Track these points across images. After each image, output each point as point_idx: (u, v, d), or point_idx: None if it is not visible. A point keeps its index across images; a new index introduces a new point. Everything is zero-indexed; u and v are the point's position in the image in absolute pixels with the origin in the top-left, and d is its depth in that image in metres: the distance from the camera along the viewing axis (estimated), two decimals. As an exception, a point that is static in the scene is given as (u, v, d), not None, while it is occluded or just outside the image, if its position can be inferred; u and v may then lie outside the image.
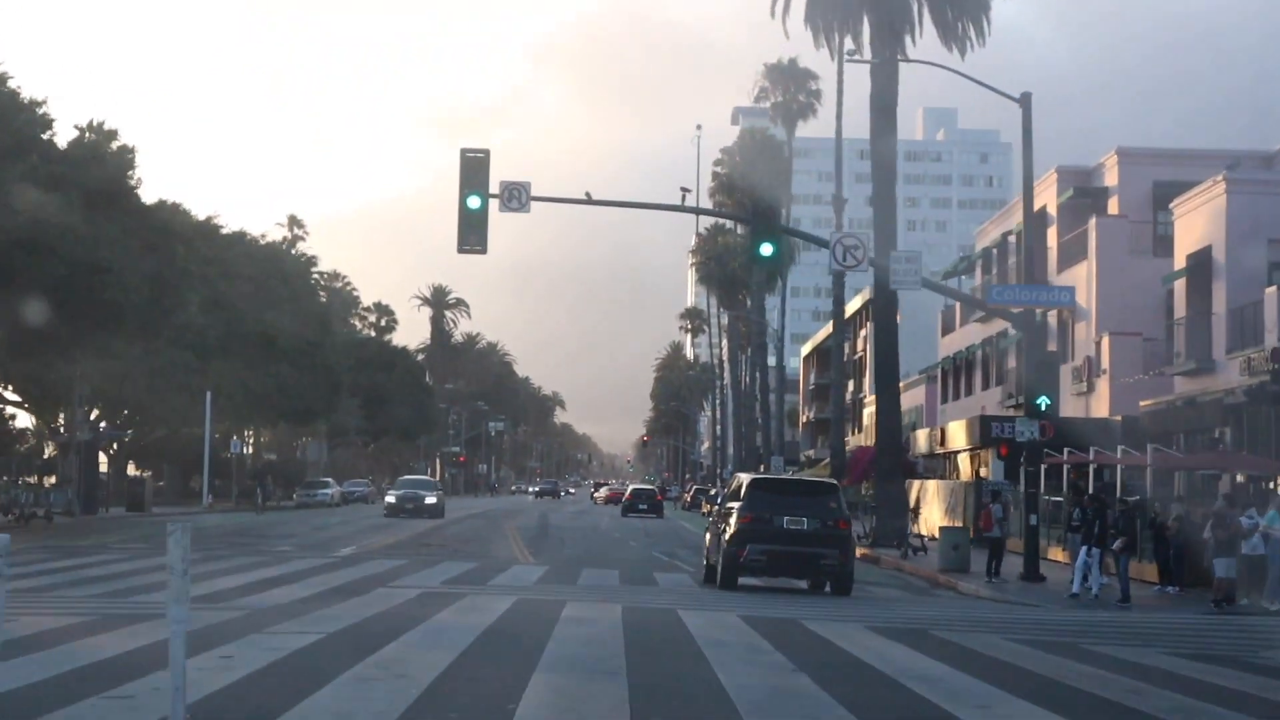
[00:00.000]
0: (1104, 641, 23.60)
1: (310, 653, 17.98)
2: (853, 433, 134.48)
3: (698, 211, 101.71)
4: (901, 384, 66.83)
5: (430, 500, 74.27)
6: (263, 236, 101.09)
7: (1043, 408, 37.98)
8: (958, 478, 71.39)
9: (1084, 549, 34.47)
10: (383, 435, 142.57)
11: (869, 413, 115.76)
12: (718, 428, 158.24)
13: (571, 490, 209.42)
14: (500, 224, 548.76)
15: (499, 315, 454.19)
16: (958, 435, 71.31)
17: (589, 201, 39.86)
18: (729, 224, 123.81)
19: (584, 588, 31.51)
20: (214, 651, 17.26)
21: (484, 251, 37.29)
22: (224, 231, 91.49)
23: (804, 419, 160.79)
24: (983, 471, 65.52)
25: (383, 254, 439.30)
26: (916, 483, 68.73)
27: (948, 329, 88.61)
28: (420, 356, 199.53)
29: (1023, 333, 42.66)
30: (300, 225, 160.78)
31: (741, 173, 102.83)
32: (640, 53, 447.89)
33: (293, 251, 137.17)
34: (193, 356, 73.56)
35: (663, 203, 48.55)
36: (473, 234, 37.00)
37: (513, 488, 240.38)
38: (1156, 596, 35.11)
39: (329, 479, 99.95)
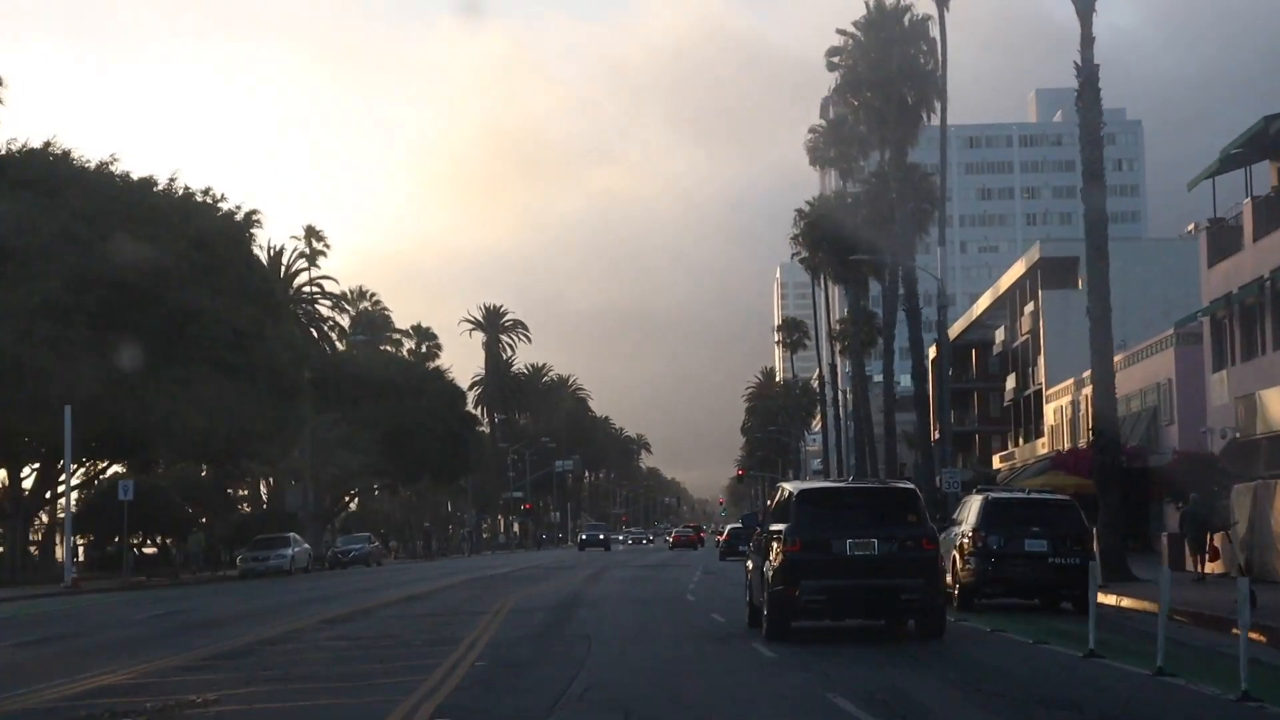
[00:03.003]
0: None
1: None
2: (1017, 440, 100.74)
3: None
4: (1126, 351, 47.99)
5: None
6: (237, 209, 68.30)
7: None
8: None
9: None
10: (408, 477, 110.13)
11: (1057, 409, 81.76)
12: (837, 436, 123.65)
13: (649, 539, 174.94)
14: (573, 272, 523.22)
15: (575, 365, 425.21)
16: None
17: None
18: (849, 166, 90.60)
19: None
20: None
21: None
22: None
23: (935, 436, 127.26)
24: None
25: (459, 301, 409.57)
26: (1247, 487, 36.97)
27: (1227, 251, 54.70)
28: (473, 391, 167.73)
29: None
30: (321, 238, 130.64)
31: (872, 62, 70.11)
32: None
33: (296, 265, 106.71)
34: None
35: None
36: None
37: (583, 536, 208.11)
38: None
39: (290, 535, 67.58)
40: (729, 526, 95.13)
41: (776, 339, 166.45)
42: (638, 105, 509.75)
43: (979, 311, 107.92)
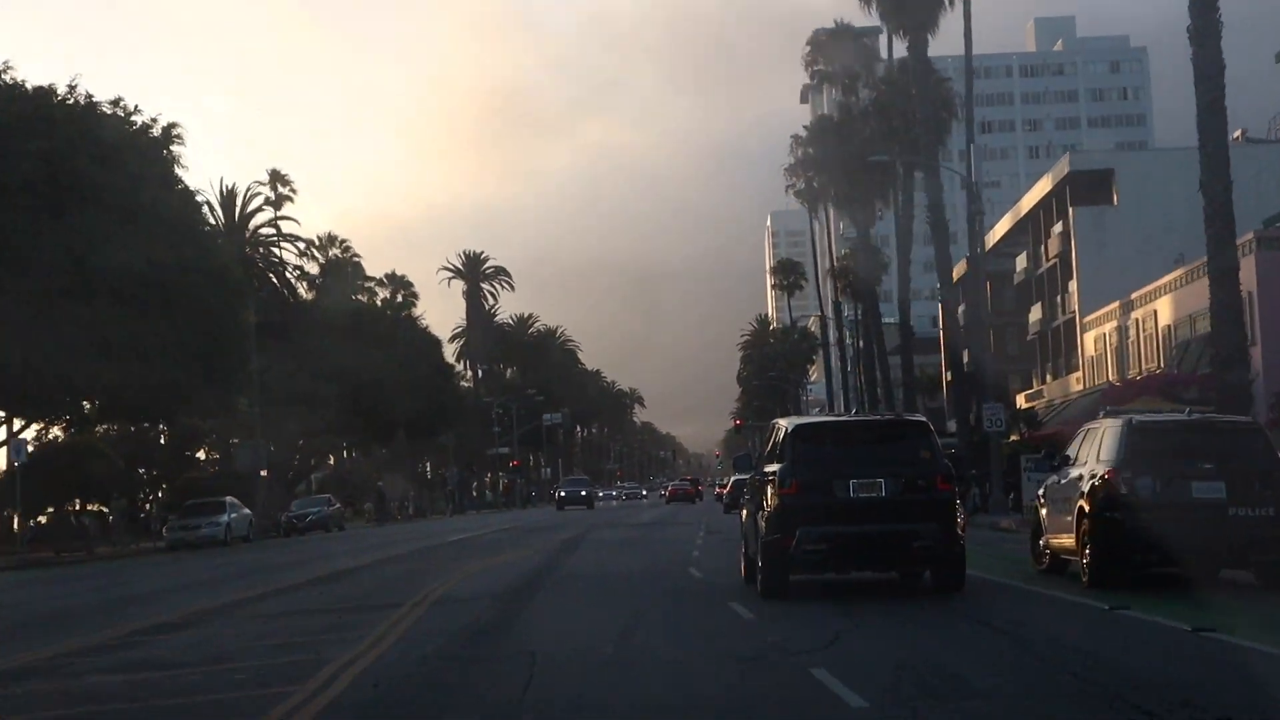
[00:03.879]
0: None
1: None
2: (1044, 378, 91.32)
3: None
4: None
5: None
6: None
7: None
8: None
9: None
10: (380, 434, 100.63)
11: (1099, 338, 72.26)
12: (844, 380, 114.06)
13: (644, 494, 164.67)
14: (563, 227, 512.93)
15: (565, 319, 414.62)
16: None
17: None
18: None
19: None
20: None
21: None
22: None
23: (948, 379, 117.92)
24: None
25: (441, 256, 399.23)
26: None
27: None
28: (454, 344, 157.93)
29: None
30: (286, 183, 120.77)
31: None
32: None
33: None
34: None
35: None
36: None
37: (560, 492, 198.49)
38: None
39: (228, 500, 57.88)
40: (733, 478, 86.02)
41: (771, 282, 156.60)
42: (628, 57, 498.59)
43: (995, 239, 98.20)
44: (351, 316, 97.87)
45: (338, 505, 74.79)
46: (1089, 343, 72.82)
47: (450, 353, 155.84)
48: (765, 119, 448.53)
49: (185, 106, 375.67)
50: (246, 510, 58.91)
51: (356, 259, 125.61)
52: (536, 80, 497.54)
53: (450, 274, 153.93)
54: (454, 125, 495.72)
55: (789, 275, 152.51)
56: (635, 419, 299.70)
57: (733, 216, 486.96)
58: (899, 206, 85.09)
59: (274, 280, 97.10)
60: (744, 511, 24.01)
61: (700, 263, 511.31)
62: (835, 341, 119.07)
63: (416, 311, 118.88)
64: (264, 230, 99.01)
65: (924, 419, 23.19)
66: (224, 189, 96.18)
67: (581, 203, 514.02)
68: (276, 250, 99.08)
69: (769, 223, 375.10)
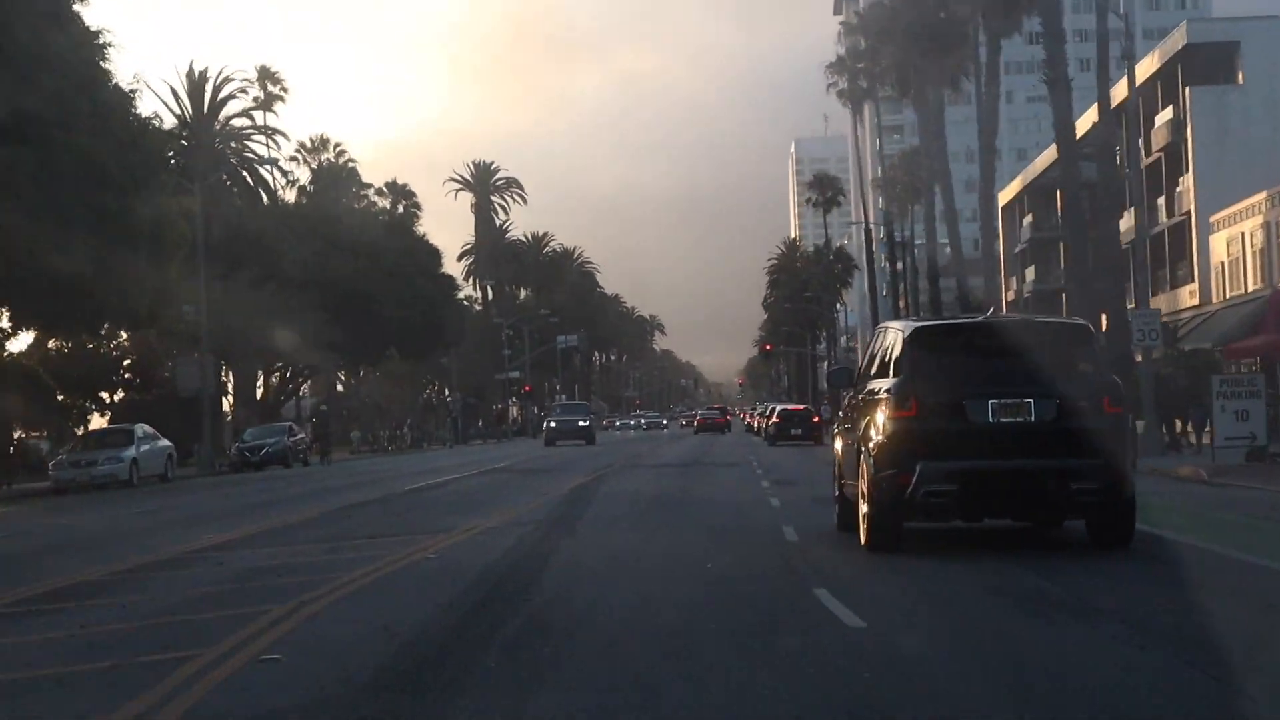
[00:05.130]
0: None
1: None
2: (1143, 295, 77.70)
3: None
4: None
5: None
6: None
7: None
8: None
9: None
10: (366, 354, 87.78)
11: (1231, 239, 58.71)
12: (891, 302, 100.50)
13: (663, 423, 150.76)
14: (580, 152, 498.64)
15: (581, 242, 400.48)
16: None
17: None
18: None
19: None
20: None
21: None
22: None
23: (1008, 298, 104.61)
24: None
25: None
26: None
27: None
28: (463, 261, 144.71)
29: None
30: (277, 81, 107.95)
31: None
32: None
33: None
34: None
35: None
36: None
37: (604, 422, 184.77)
38: None
39: (136, 428, 44.89)
40: (778, 407, 73.18)
41: (805, 198, 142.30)
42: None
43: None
44: (334, 222, 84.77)
45: (301, 435, 61.41)
46: (1218, 246, 59.22)
47: (459, 271, 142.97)
48: (791, 43, 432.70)
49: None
50: (165, 441, 45.94)
51: (352, 164, 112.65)
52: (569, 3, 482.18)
53: (458, 185, 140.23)
54: (471, 53, 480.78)
55: (825, 190, 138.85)
56: (655, 346, 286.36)
57: (757, 144, 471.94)
58: (982, 81, 71.52)
59: (248, 178, 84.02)
60: (839, 440, 19.39)
61: (721, 191, 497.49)
62: (885, 258, 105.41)
63: (421, 229, 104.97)
64: (238, 122, 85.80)
65: (1084, 322, 18.80)
66: (192, 74, 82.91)
67: (602, 128, 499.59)
68: (251, 147, 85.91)
69: (793, 149, 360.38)
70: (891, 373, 16.70)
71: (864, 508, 16.74)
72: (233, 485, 42.38)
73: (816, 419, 72.74)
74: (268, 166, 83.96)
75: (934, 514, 16.50)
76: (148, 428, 45.44)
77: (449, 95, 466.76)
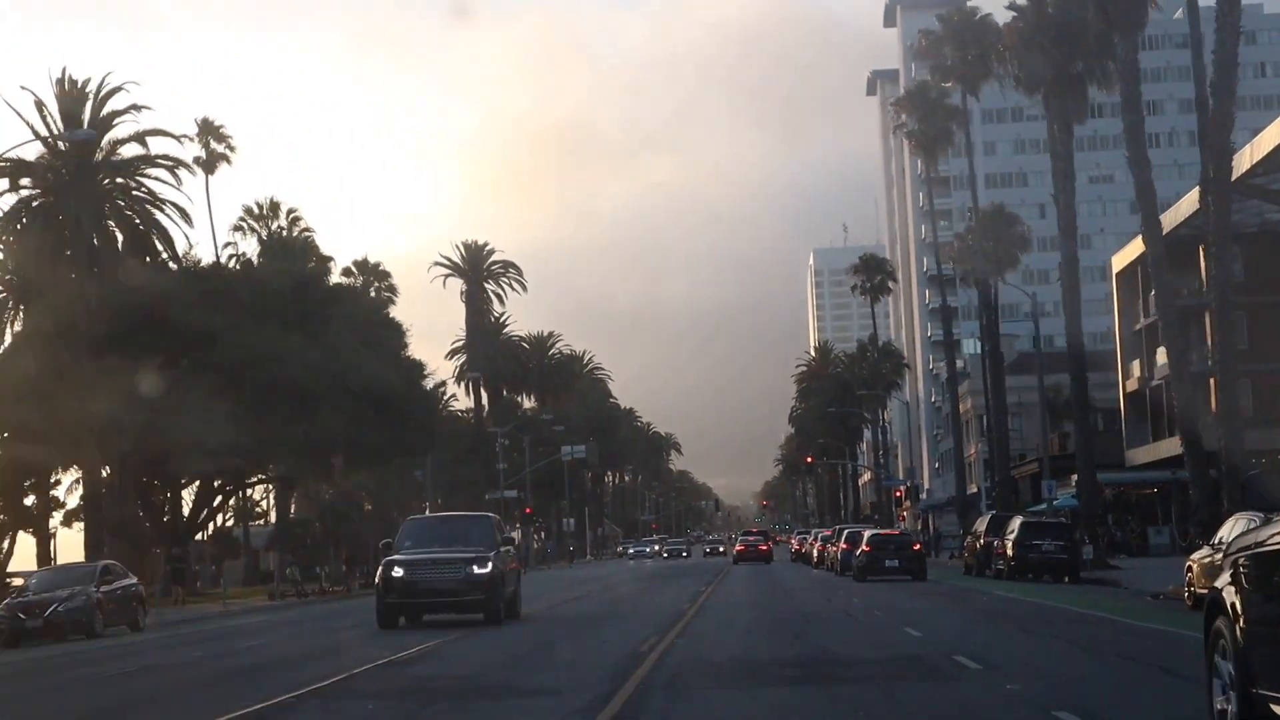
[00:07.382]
0: None
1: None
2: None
3: None
4: None
5: None
6: None
7: None
8: None
9: None
10: (319, 455, 65.53)
11: None
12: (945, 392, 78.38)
13: (685, 552, 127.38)
14: (593, 269, 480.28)
15: (600, 358, 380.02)
16: None
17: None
18: None
19: None
20: None
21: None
22: None
23: (1125, 389, 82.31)
24: None
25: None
26: None
27: None
28: (452, 360, 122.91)
29: None
30: (223, 139, 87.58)
31: None
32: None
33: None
34: None
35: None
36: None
37: (619, 549, 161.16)
38: None
39: None
40: (868, 533, 51.18)
41: (852, 285, 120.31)
42: (687, 92, 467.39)
43: (1246, 165, 61.76)
44: (257, 287, 63.02)
45: (131, 582, 37.50)
46: None
47: (448, 371, 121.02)
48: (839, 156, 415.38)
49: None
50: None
51: (308, 234, 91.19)
52: (592, 114, 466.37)
53: (446, 270, 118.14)
54: (496, 163, 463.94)
55: (873, 275, 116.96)
56: (671, 466, 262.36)
57: (773, 259, 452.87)
58: (1125, 87, 50.60)
59: (138, 223, 62.42)
60: (1236, 608, 10.79)
61: (738, 308, 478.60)
62: (979, 337, 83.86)
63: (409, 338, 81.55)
64: (127, 149, 64.24)
65: None
66: (64, 81, 61.64)
67: (618, 243, 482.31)
68: (147, 184, 64.26)
69: (811, 260, 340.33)
70: None
71: None
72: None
73: (918, 546, 50.96)
74: (168, 208, 62.14)
75: None
76: None
77: (465, 209, 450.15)
